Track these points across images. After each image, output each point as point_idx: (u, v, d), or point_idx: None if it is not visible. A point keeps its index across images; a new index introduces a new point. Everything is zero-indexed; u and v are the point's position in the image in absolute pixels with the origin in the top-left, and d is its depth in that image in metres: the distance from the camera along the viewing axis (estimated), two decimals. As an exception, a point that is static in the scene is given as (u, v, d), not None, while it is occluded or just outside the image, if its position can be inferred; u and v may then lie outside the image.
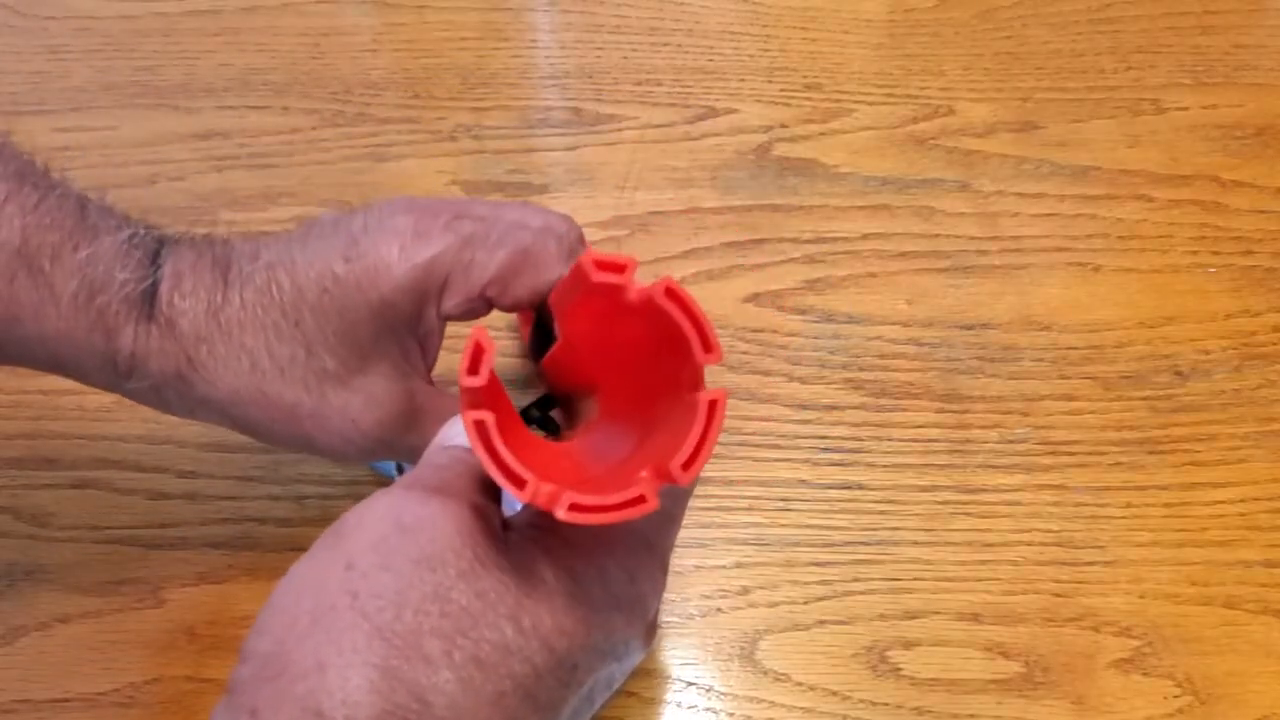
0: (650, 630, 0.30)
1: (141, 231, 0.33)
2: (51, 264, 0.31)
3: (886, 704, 0.40)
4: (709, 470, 0.46)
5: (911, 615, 0.42)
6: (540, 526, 0.28)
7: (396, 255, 0.32)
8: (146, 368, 0.32)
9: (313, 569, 0.27)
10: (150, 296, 0.32)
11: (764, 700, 0.40)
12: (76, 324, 0.31)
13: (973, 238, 0.54)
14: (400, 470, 0.44)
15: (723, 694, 0.40)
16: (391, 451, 0.35)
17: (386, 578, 0.25)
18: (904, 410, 0.48)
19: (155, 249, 0.33)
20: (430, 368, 0.36)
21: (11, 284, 0.30)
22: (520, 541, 0.28)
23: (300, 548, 0.43)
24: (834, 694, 0.40)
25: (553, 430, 0.36)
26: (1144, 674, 0.41)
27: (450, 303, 0.34)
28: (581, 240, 0.35)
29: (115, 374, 0.32)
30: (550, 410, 0.37)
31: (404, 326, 0.34)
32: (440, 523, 0.26)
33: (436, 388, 0.36)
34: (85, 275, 0.31)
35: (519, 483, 0.25)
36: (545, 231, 0.34)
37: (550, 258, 0.34)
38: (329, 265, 0.32)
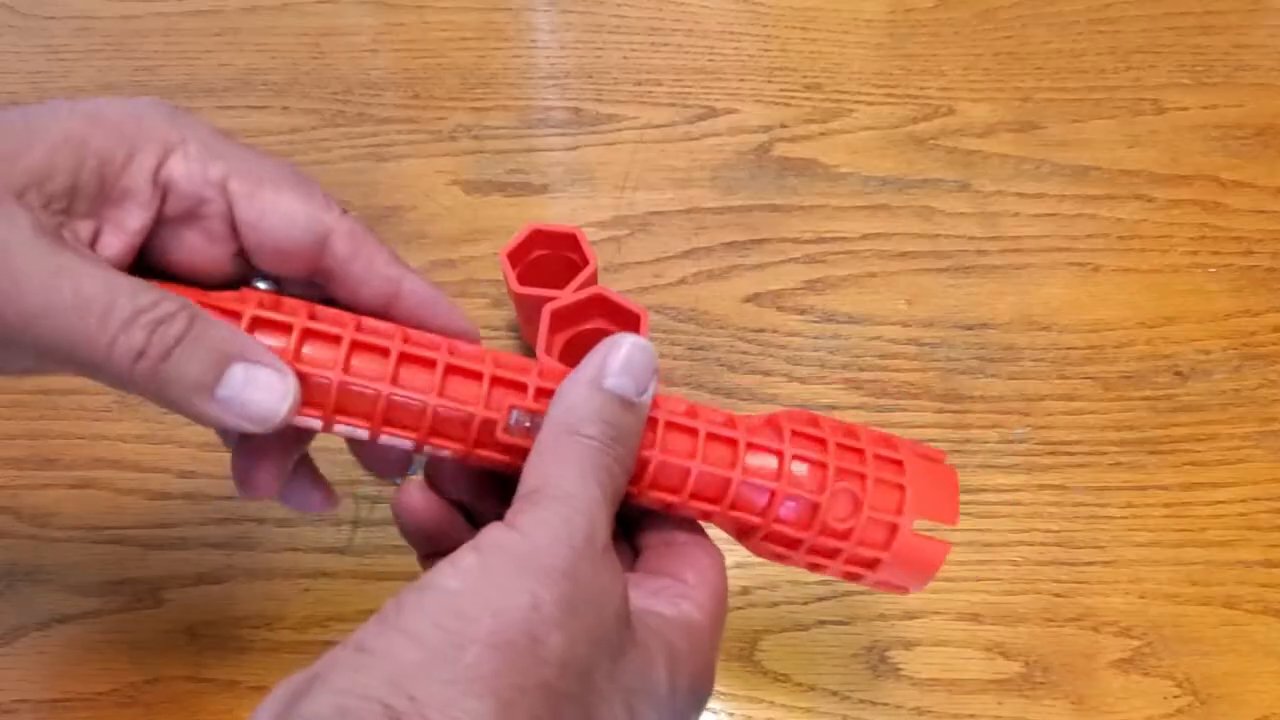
0: None
1: None
2: None
3: (886, 704, 0.40)
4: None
5: (911, 615, 0.42)
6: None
7: (137, 100, 0.28)
8: None
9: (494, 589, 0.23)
10: None
11: (764, 700, 0.40)
12: None
13: (973, 238, 0.54)
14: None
15: (723, 694, 0.40)
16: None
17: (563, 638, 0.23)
18: (904, 410, 0.48)
19: None
20: (116, 253, 0.26)
21: None
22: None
23: (300, 548, 0.44)
24: (834, 694, 0.40)
25: None
26: (1144, 674, 0.41)
27: (178, 167, 0.26)
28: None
29: None
30: None
31: (98, 168, 0.25)
32: (614, 594, 0.24)
33: (74, 252, 0.24)
34: None
35: None
36: (314, 184, 0.28)
37: (320, 197, 0.28)
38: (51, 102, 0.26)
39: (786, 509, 0.28)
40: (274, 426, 0.25)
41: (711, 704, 0.40)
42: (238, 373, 0.25)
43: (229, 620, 0.42)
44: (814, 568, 0.30)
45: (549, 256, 0.47)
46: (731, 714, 0.40)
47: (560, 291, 0.44)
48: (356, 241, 0.28)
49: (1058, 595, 0.42)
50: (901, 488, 0.29)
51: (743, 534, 0.29)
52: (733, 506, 0.28)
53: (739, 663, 0.41)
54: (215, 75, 0.61)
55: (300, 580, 0.43)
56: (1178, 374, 0.49)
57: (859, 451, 0.29)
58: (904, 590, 0.31)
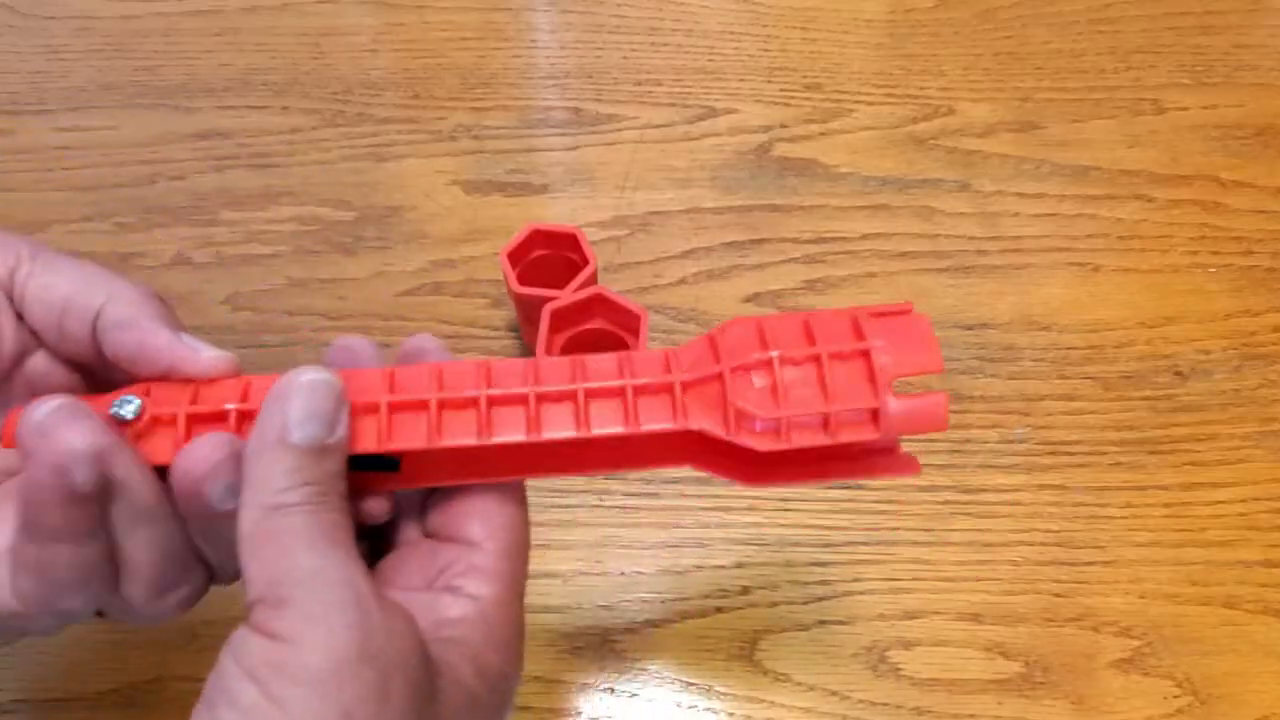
0: None
1: None
2: None
3: (886, 704, 0.40)
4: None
5: (911, 615, 0.42)
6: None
7: None
8: None
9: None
10: None
11: (764, 700, 0.40)
12: None
13: (973, 238, 0.54)
14: None
15: (723, 694, 0.40)
16: None
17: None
18: (904, 410, 0.48)
19: None
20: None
21: None
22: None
23: (300, 548, 0.44)
24: (834, 694, 0.40)
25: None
26: (1144, 674, 0.41)
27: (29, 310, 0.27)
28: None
29: None
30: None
31: None
32: (409, 647, 0.23)
33: None
34: None
35: None
36: (141, 288, 0.28)
37: (92, 275, 0.28)
38: None
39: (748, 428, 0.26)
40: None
41: (711, 704, 0.40)
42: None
43: (229, 620, 0.41)
44: (819, 475, 0.27)
45: (549, 256, 0.47)
46: (731, 714, 0.40)
47: (560, 291, 0.44)
48: (126, 316, 0.27)
49: (1058, 595, 0.42)
50: (867, 354, 0.26)
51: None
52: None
53: (739, 663, 0.41)
54: (215, 75, 0.61)
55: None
56: (1178, 374, 0.49)
57: (809, 357, 0.26)
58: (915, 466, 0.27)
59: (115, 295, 0.27)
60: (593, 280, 0.46)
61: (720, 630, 0.42)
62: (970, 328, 0.50)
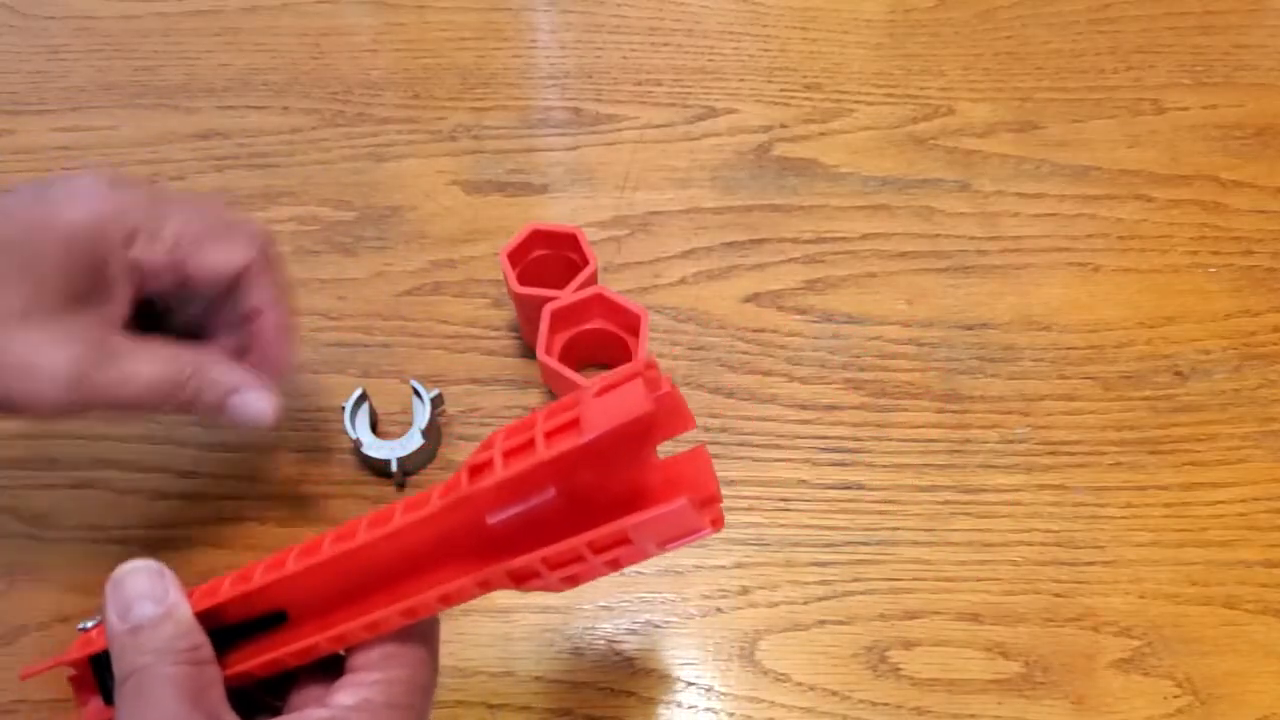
0: None
1: None
2: None
3: (886, 704, 0.40)
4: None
5: (911, 615, 0.42)
6: None
7: (90, 193, 0.34)
8: None
9: None
10: None
11: (764, 700, 0.40)
12: None
13: (973, 238, 0.54)
14: (401, 471, 0.44)
15: (723, 694, 0.40)
16: (84, 395, 0.33)
17: None
18: (904, 410, 0.48)
19: None
20: (121, 316, 0.35)
21: None
22: None
23: (300, 548, 0.44)
24: (834, 694, 0.40)
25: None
26: (1144, 674, 0.41)
27: (141, 250, 0.35)
28: (272, 243, 0.37)
29: None
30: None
31: (87, 269, 0.34)
32: None
33: (127, 334, 0.35)
34: None
35: None
36: (242, 220, 0.37)
37: (242, 237, 0.36)
38: (21, 204, 0.34)
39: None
40: (268, 425, 0.36)
41: (711, 704, 0.40)
42: (234, 400, 0.36)
43: (229, 620, 0.42)
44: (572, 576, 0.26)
45: (549, 256, 0.47)
46: (731, 714, 0.40)
47: (560, 291, 0.44)
48: (256, 278, 0.37)
49: (1058, 595, 0.42)
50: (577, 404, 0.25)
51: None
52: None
53: (739, 663, 0.41)
54: (215, 75, 0.61)
55: (300, 580, 0.43)
56: (1178, 374, 0.49)
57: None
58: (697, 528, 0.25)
59: (252, 265, 0.36)
60: (593, 280, 0.46)
61: (720, 630, 0.42)
62: (970, 328, 0.50)
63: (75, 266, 0.33)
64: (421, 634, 0.29)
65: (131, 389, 0.34)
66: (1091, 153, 0.57)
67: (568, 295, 0.44)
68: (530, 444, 0.25)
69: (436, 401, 0.46)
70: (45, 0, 0.65)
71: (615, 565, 0.25)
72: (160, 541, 0.44)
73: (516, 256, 0.46)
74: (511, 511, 0.26)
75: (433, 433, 0.45)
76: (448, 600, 0.27)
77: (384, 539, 0.27)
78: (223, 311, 0.38)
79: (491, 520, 0.26)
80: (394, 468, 0.44)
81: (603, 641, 0.41)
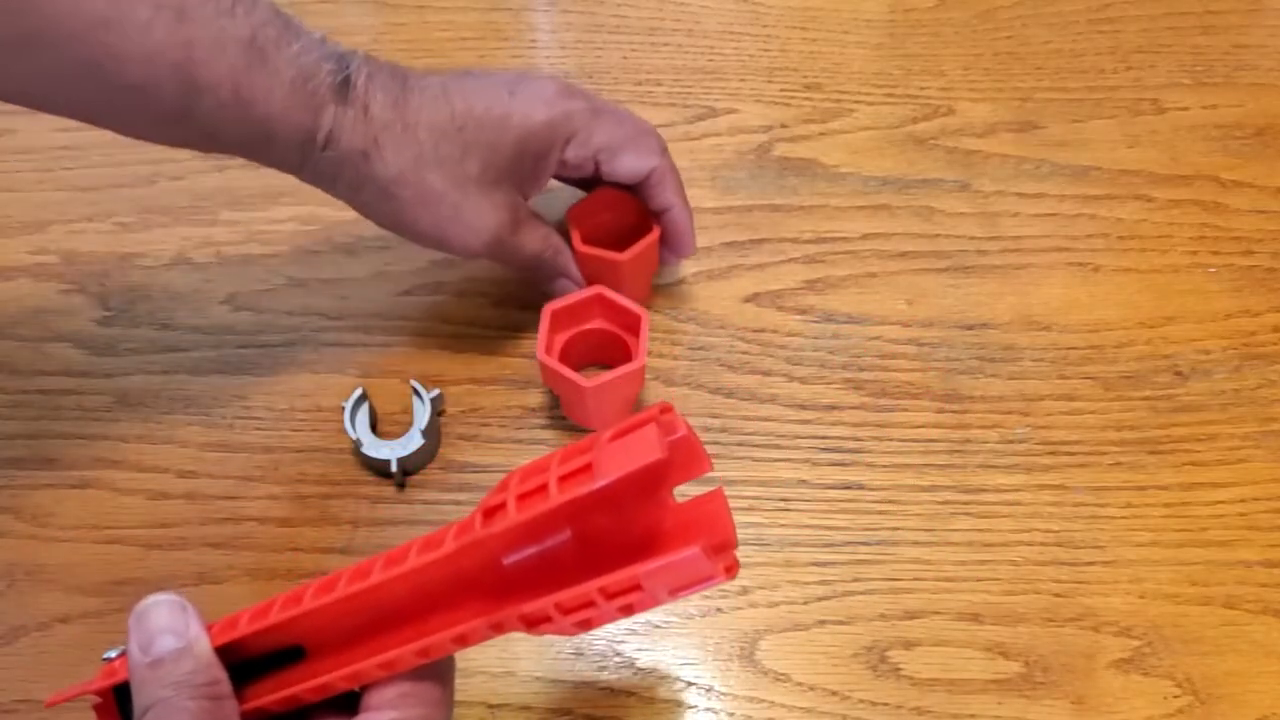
0: None
1: (325, 36, 0.40)
2: (275, 54, 0.37)
3: (886, 704, 0.40)
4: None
5: (911, 615, 0.42)
6: None
7: (548, 99, 0.43)
8: (339, 143, 0.39)
9: None
10: (345, 85, 0.39)
11: (764, 700, 0.40)
12: (293, 104, 0.38)
13: (973, 238, 0.54)
14: (401, 471, 0.44)
15: (723, 694, 0.40)
16: (492, 250, 0.44)
17: None
18: (904, 410, 0.48)
19: (341, 50, 0.40)
20: (538, 192, 0.46)
21: (249, 71, 0.37)
22: None
23: (300, 548, 0.44)
24: (834, 694, 0.40)
25: None
26: (1144, 674, 0.41)
27: (571, 151, 0.44)
28: (662, 143, 0.47)
29: (311, 148, 0.39)
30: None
31: (532, 157, 0.43)
32: None
33: (529, 209, 0.45)
34: (300, 64, 0.38)
35: None
36: (651, 130, 0.47)
37: (652, 147, 0.46)
38: (495, 94, 0.42)
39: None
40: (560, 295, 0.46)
41: (711, 704, 0.40)
42: (560, 282, 0.48)
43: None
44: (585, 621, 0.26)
45: (614, 220, 0.48)
46: (731, 714, 0.40)
47: (619, 254, 0.46)
48: (662, 180, 0.46)
49: (1058, 595, 0.42)
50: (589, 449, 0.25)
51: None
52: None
53: (739, 662, 0.41)
54: (215, 75, 0.61)
55: (300, 580, 0.43)
56: (1178, 374, 0.49)
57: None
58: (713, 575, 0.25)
59: (656, 170, 0.46)
60: (656, 247, 0.48)
61: (720, 630, 0.42)
62: (970, 328, 0.50)
63: (523, 156, 0.43)
64: (437, 673, 0.29)
65: (518, 254, 0.45)
66: (1091, 153, 0.57)
67: (568, 295, 0.45)
68: (544, 488, 0.25)
69: (436, 401, 0.46)
70: (45, 0, 0.65)
71: (628, 611, 0.25)
72: (160, 541, 0.44)
73: (582, 217, 0.48)
74: (526, 553, 0.26)
75: (433, 433, 0.45)
76: (462, 641, 0.27)
77: (399, 578, 0.27)
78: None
79: (507, 561, 0.26)
80: (394, 468, 0.44)
81: (603, 641, 0.42)
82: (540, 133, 0.43)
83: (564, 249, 0.47)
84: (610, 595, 0.24)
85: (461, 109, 0.41)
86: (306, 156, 0.40)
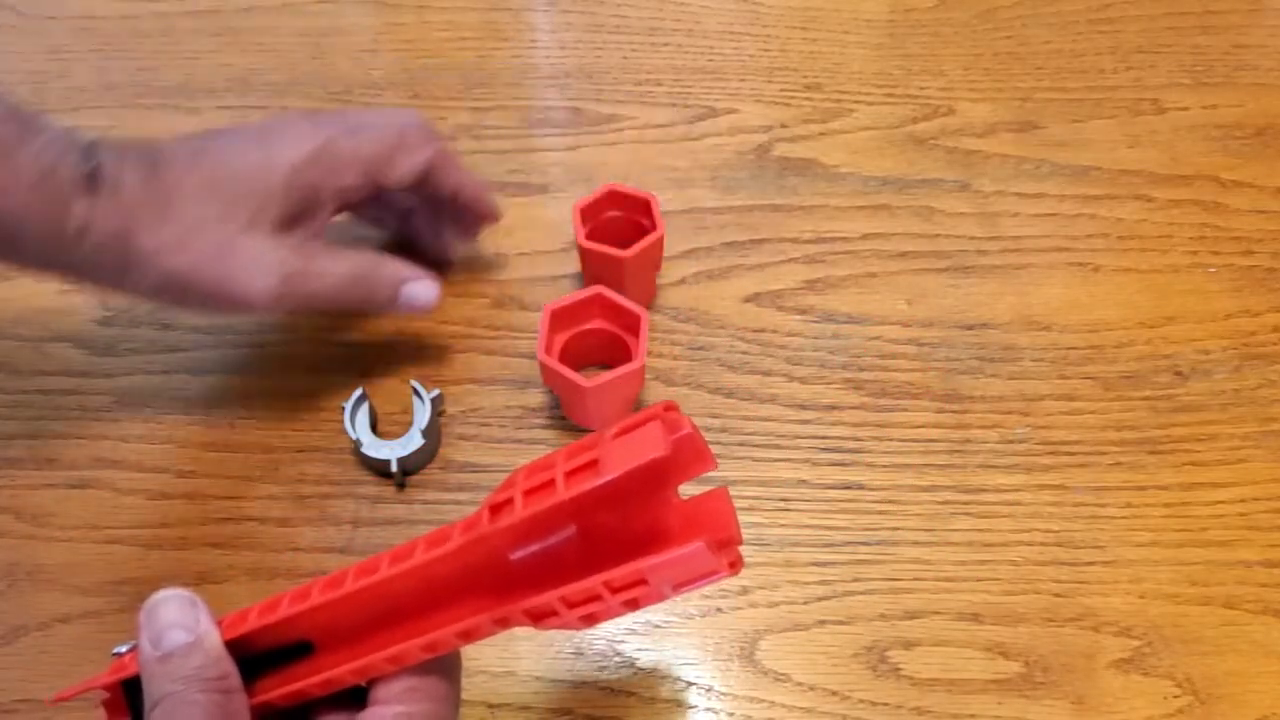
0: None
1: (72, 128, 0.39)
2: (14, 153, 0.37)
3: (886, 704, 0.40)
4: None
5: (911, 615, 0.42)
6: None
7: (300, 136, 0.42)
8: (93, 233, 0.38)
9: None
10: (93, 176, 0.38)
11: (764, 700, 0.40)
12: (37, 200, 0.37)
13: (973, 238, 0.54)
14: (401, 471, 0.44)
15: (723, 694, 0.40)
16: (291, 288, 0.42)
17: None
18: (904, 410, 0.48)
19: (88, 141, 0.39)
20: (321, 230, 0.44)
21: None
22: None
23: (300, 548, 0.44)
24: (834, 694, 0.40)
25: None
26: (1144, 674, 0.41)
27: (345, 179, 0.43)
28: (431, 130, 0.46)
29: (63, 243, 0.38)
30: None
31: (303, 198, 0.42)
32: None
33: (322, 243, 0.44)
34: (41, 161, 0.37)
35: None
36: (413, 124, 0.45)
37: (419, 141, 0.45)
38: (246, 147, 0.42)
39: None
40: (430, 310, 0.45)
41: (711, 704, 0.40)
42: (405, 290, 0.45)
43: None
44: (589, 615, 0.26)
45: (621, 219, 0.49)
46: (731, 714, 0.40)
47: (623, 251, 0.46)
48: (442, 167, 0.46)
49: (1058, 595, 0.42)
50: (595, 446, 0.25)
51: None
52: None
53: (739, 662, 0.41)
54: (215, 75, 0.61)
55: (300, 580, 0.42)
56: (1178, 374, 0.49)
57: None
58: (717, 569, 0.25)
59: (433, 159, 0.46)
60: (660, 246, 0.47)
61: (720, 630, 0.42)
62: (970, 328, 0.50)
63: (293, 199, 0.42)
64: (444, 668, 0.29)
65: (327, 282, 0.43)
66: (1091, 153, 0.57)
67: (568, 295, 0.45)
68: (550, 484, 0.25)
69: (436, 401, 0.46)
70: (45, 0, 0.65)
71: (633, 605, 0.25)
72: (160, 541, 0.44)
73: (589, 213, 0.48)
74: (532, 549, 0.26)
75: (433, 433, 0.45)
76: (467, 636, 0.27)
77: (406, 573, 0.27)
78: (425, 196, 0.48)
79: (513, 557, 0.26)
80: (394, 468, 0.44)
81: (603, 641, 0.42)
82: (304, 171, 0.42)
83: (384, 259, 0.45)
84: (615, 589, 0.24)
85: (216, 170, 0.41)
86: (60, 253, 0.38)
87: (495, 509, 0.26)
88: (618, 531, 0.25)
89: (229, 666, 0.29)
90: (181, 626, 0.28)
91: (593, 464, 0.25)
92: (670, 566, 0.24)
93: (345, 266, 0.43)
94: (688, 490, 0.28)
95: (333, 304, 0.44)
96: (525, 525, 0.25)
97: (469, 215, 0.49)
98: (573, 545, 0.26)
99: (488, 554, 0.26)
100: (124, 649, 0.31)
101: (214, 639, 0.29)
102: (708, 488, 0.28)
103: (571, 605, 0.25)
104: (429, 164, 0.45)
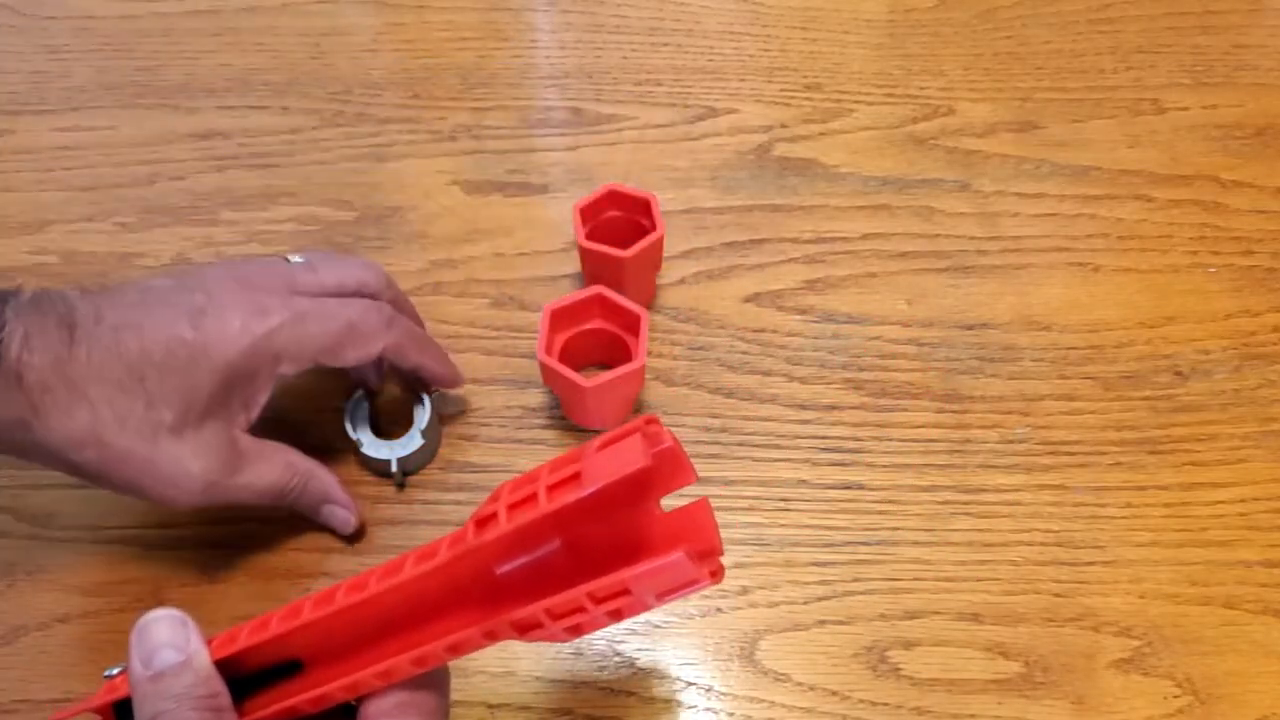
0: None
1: None
2: None
3: (886, 704, 0.40)
4: (710, 470, 0.46)
5: (911, 615, 0.42)
6: None
7: (239, 327, 0.38)
8: None
9: None
10: None
11: (764, 700, 0.40)
12: None
13: (973, 238, 0.54)
14: (401, 471, 0.44)
15: (723, 694, 0.40)
16: (213, 497, 0.39)
17: None
18: (904, 410, 0.48)
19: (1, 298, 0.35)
20: (253, 420, 0.40)
21: None
22: None
23: (300, 548, 0.44)
24: (834, 694, 0.40)
25: None
26: (1144, 674, 0.41)
27: (286, 368, 0.40)
28: (386, 314, 0.42)
29: None
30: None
31: (239, 386, 0.39)
32: None
33: (253, 437, 0.40)
34: None
35: None
36: (367, 310, 0.41)
37: (370, 328, 0.41)
38: (176, 331, 0.37)
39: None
40: (348, 533, 0.43)
41: (711, 704, 0.40)
42: (325, 509, 0.43)
43: (229, 620, 0.42)
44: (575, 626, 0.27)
45: (620, 219, 0.49)
46: (731, 714, 0.40)
47: (622, 251, 0.46)
48: (398, 353, 0.42)
49: (1058, 595, 0.42)
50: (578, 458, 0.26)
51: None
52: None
53: (739, 662, 0.41)
54: (215, 75, 0.61)
55: (300, 580, 0.43)
56: (1178, 374, 0.49)
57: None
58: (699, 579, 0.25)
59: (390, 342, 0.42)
60: (659, 246, 0.47)
61: (720, 630, 0.42)
62: (970, 328, 0.50)
63: (226, 388, 0.38)
64: (434, 682, 0.29)
65: (250, 493, 0.40)
66: (1091, 153, 0.57)
67: (568, 295, 0.44)
68: (534, 497, 0.25)
69: (436, 402, 0.46)
70: (45, 0, 0.65)
71: (617, 616, 0.25)
72: (160, 541, 0.44)
73: (589, 214, 0.48)
74: (519, 562, 0.26)
75: (433, 433, 0.45)
76: (456, 650, 0.27)
77: (395, 589, 0.28)
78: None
79: (499, 571, 0.26)
80: (394, 468, 0.44)
81: (603, 641, 0.41)
82: (241, 364, 0.38)
83: (317, 473, 0.42)
84: (599, 600, 0.25)
85: (137, 356, 0.36)
86: None
87: (480, 523, 0.26)
88: (602, 544, 0.26)
89: (219, 685, 0.29)
90: (172, 646, 0.29)
91: (575, 477, 0.25)
92: (652, 576, 0.24)
93: (272, 476, 0.40)
94: (672, 505, 0.28)
95: (255, 506, 0.41)
96: (510, 539, 0.26)
97: (433, 382, 0.46)
98: (558, 558, 0.26)
99: (475, 568, 0.27)
100: (115, 671, 0.32)
101: (204, 658, 0.29)
102: (697, 494, 0.28)
103: (556, 617, 0.25)
104: (383, 353, 0.42)
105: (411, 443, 0.44)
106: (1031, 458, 0.46)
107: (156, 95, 0.60)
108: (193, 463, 0.38)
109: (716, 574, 0.26)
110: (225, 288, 0.39)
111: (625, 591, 0.24)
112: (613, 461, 0.24)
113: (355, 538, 0.44)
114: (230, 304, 0.38)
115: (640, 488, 0.25)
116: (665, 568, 0.24)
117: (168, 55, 0.62)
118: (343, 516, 0.43)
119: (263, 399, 0.40)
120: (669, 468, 0.26)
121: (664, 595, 0.25)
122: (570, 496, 0.24)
